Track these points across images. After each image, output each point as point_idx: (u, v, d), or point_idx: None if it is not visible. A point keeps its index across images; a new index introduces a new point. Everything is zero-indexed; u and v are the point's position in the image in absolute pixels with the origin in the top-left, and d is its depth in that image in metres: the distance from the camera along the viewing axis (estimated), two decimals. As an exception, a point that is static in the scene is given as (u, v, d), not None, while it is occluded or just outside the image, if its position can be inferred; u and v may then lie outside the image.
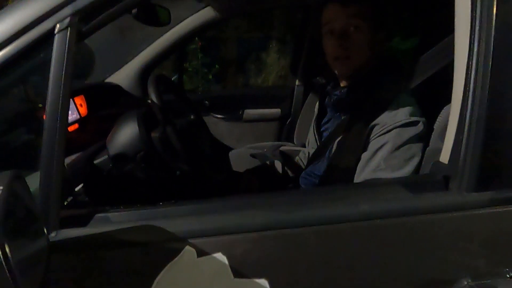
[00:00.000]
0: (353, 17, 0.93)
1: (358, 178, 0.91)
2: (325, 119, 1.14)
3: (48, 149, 0.63)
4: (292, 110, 1.92)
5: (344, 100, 1.01)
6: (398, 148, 0.87)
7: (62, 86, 0.63)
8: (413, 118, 0.88)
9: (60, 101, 0.63)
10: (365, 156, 0.92)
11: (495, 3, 0.61)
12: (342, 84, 1.05)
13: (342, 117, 1.03)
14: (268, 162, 1.44)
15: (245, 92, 2.75)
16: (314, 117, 1.20)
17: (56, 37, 0.64)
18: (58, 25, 0.64)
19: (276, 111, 1.94)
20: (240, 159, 1.62)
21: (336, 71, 1.03)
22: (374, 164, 0.89)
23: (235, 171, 1.45)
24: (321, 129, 1.15)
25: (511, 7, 0.62)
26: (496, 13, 0.61)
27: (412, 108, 0.90)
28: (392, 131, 0.88)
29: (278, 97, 1.97)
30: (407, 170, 0.86)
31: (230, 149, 1.79)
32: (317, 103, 1.21)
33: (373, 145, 0.91)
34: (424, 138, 0.88)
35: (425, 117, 0.89)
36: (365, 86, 0.97)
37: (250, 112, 1.94)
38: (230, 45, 4.54)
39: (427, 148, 0.86)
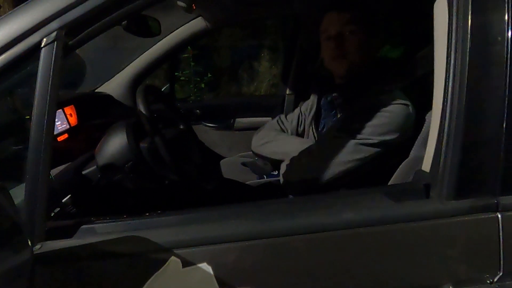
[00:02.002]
0: (348, 23, 1.01)
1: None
2: (320, 119, 1.17)
3: (34, 161, 0.63)
4: (283, 118, 1.93)
5: (338, 99, 1.07)
6: (382, 112, 0.94)
7: (48, 99, 0.64)
8: (405, 101, 0.94)
9: (46, 114, 0.64)
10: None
11: (470, 16, 0.63)
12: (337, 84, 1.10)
13: (338, 115, 1.08)
14: (259, 170, 1.44)
15: (237, 101, 2.77)
16: (311, 116, 1.21)
17: (43, 51, 0.65)
18: (44, 39, 0.65)
19: (267, 119, 1.95)
20: (231, 167, 1.63)
21: (333, 71, 1.09)
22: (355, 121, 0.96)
23: (226, 179, 1.46)
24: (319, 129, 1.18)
25: (485, 19, 0.64)
26: (471, 26, 0.63)
27: (404, 99, 0.96)
28: (386, 107, 0.95)
29: (269, 106, 1.98)
30: (376, 139, 0.93)
31: (222, 157, 1.79)
32: (311, 103, 1.23)
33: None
34: (409, 123, 0.93)
35: (413, 127, 0.93)
36: (359, 85, 1.03)
37: (241, 121, 1.95)
38: (222, 54, 4.58)
39: (410, 157, 0.87)
